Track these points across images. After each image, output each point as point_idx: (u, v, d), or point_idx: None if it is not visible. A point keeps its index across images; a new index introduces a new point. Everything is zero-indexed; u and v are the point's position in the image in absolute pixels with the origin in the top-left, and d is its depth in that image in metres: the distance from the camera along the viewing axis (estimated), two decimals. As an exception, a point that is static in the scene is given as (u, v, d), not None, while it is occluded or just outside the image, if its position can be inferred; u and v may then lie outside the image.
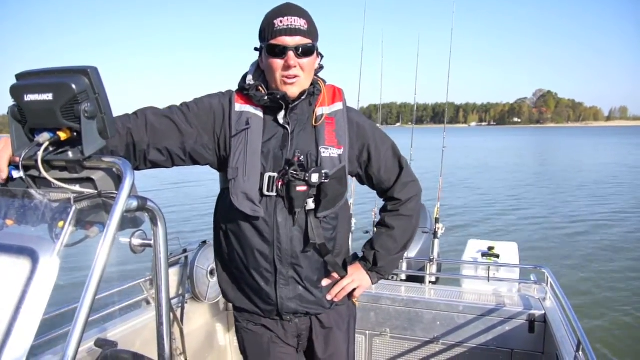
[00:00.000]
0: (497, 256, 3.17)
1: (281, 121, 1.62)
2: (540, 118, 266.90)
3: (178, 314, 2.65)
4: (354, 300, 1.91)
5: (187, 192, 16.98)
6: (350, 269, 1.82)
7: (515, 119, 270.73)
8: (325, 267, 1.75)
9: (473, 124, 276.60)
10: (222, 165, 1.66)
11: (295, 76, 1.56)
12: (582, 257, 8.81)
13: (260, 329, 1.78)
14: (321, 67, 1.69)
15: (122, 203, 0.98)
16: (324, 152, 1.63)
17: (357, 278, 1.83)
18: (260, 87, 1.61)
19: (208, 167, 1.70)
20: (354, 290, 1.84)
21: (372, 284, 1.87)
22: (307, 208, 1.62)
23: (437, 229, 3.84)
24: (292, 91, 1.58)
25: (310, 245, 1.64)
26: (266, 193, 1.59)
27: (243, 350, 1.85)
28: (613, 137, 77.44)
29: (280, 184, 1.58)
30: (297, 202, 1.58)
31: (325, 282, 1.77)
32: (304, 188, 1.57)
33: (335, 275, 1.78)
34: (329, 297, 1.78)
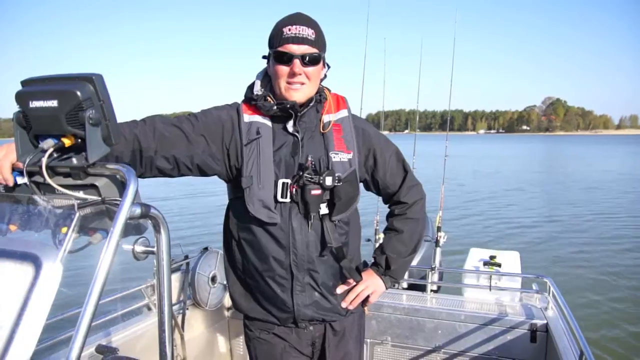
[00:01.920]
0: (499, 265, 3.17)
1: (290, 129, 1.65)
2: (549, 126, 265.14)
3: (179, 320, 2.64)
4: (366, 308, 1.92)
5: (190, 200, 17.00)
6: (363, 275, 1.84)
7: (524, 127, 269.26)
8: (340, 272, 1.76)
9: (481, 131, 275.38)
10: (231, 175, 1.67)
11: (301, 83, 1.59)
12: (584, 267, 8.71)
13: (274, 338, 1.78)
14: (325, 76, 1.72)
15: (126, 210, 0.98)
16: (334, 157, 1.66)
17: (371, 284, 1.84)
18: (268, 97, 1.64)
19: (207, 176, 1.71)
20: (367, 297, 1.85)
21: (386, 288, 1.89)
22: (321, 212, 1.65)
23: (439, 238, 3.85)
24: (296, 97, 1.61)
25: (327, 250, 1.67)
26: (280, 199, 1.61)
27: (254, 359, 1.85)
28: (623, 146, 76.65)
29: (294, 189, 1.61)
30: (312, 206, 1.61)
31: (340, 290, 1.78)
32: (318, 192, 1.61)
33: (351, 281, 1.80)
34: (344, 305, 1.79)
